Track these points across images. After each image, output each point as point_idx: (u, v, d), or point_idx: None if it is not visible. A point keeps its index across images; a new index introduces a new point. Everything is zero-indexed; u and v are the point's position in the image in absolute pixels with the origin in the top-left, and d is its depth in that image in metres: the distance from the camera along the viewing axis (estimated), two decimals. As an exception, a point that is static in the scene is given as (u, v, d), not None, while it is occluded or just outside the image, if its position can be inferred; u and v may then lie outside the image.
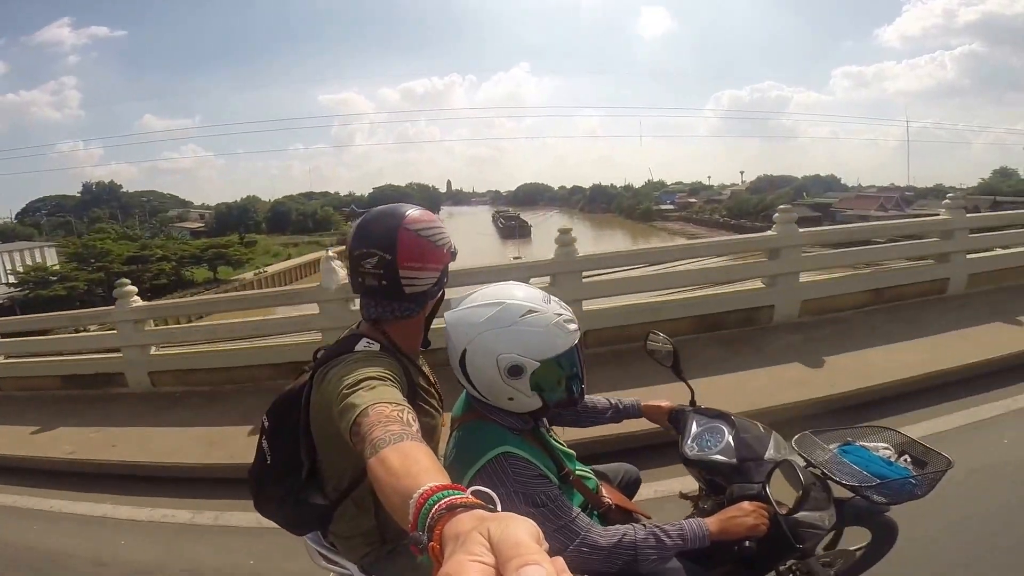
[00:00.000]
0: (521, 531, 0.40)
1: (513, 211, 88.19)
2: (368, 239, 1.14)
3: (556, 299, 1.19)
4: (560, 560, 0.39)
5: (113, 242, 35.06)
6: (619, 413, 1.62)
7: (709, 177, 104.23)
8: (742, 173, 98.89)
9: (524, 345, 1.11)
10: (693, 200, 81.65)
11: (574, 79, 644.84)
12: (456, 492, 0.55)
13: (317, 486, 1.23)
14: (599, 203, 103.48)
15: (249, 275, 35.26)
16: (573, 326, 1.17)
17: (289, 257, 44.28)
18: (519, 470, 1.12)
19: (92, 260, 31.10)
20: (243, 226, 52.34)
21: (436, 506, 0.52)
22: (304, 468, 1.19)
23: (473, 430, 1.21)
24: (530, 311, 1.13)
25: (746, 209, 59.42)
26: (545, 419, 1.33)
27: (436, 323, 1.30)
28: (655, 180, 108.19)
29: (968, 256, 5.23)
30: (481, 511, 0.49)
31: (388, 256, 1.12)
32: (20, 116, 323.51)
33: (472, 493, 0.54)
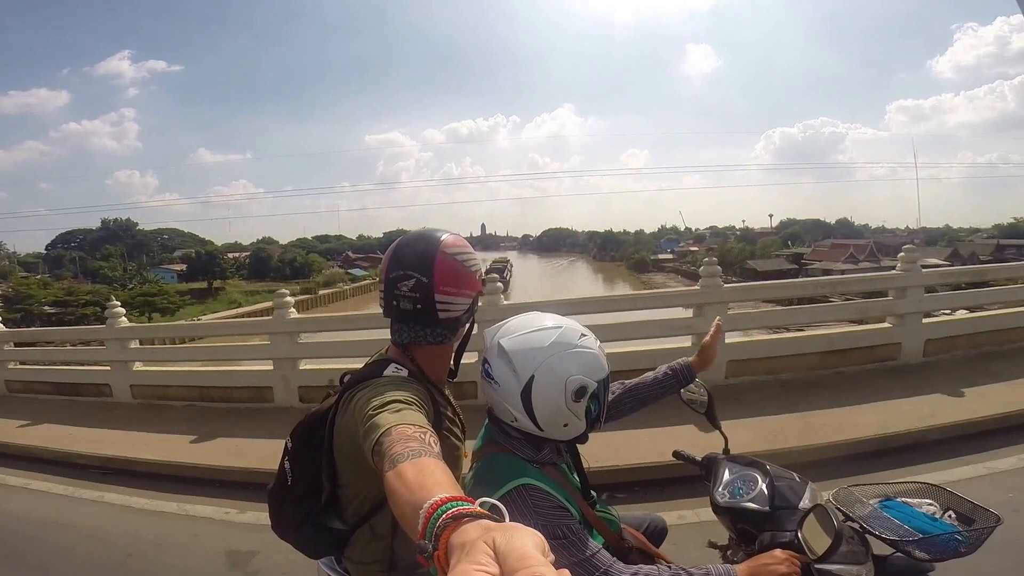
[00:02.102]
0: (527, 542, 0.40)
1: (505, 259, 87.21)
2: (404, 262, 1.15)
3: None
4: (566, 572, 0.39)
5: (40, 287, 38.37)
6: (664, 385, 1.58)
7: (744, 221, 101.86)
8: (771, 216, 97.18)
9: (585, 367, 1.14)
10: (695, 248, 79.20)
11: (619, 120, 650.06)
12: (464, 503, 0.55)
13: (336, 510, 1.21)
14: (609, 250, 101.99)
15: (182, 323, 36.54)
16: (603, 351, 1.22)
17: (240, 305, 45.11)
18: (539, 502, 1.11)
19: (19, 303, 32.77)
20: (211, 272, 53.31)
21: (443, 516, 0.52)
22: (324, 492, 1.18)
23: (492, 461, 1.21)
24: (583, 334, 1.17)
25: (728, 259, 57.27)
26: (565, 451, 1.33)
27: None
28: (686, 226, 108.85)
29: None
30: (487, 521, 0.49)
31: (425, 279, 1.13)
32: (82, 144, 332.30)
33: (480, 505, 0.54)
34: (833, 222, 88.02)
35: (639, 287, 54.91)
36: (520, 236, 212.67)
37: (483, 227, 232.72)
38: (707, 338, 1.58)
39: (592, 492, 1.33)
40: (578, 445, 1.29)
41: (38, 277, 52.30)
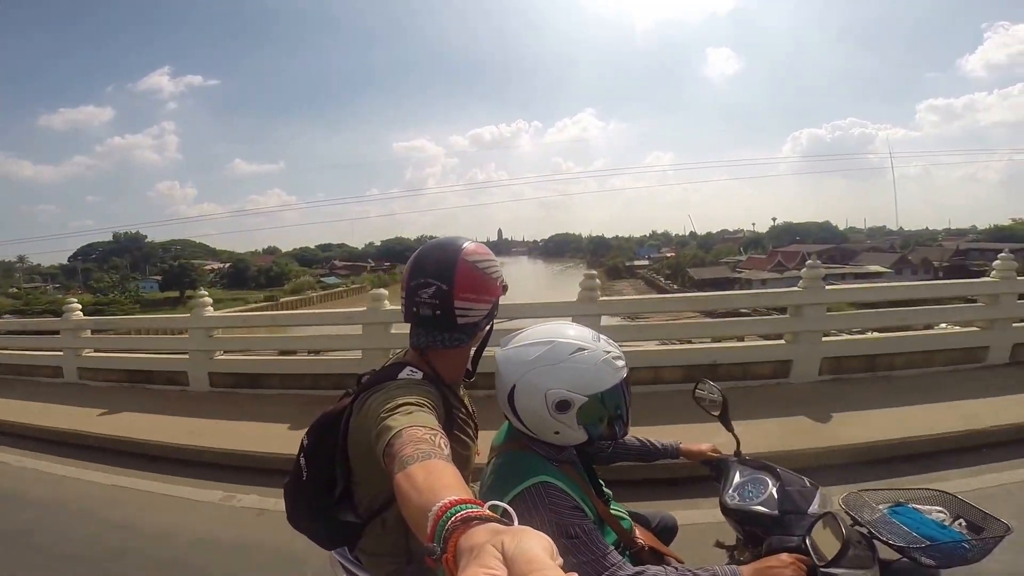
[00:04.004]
0: (535, 545, 0.41)
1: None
2: (425, 270, 1.19)
3: (605, 337, 1.25)
4: None
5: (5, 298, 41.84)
6: (651, 453, 1.66)
7: (753, 224, 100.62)
8: (774, 219, 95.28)
9: (573, 381, 1.16)
10: (671, 254, 78.44)
11: (642, 124, 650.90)
12: (474, 506, 0.56)
13: (349, 504, 1.24)
14: (599, 256, 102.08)
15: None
16: (621, 363, 1.22)
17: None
18: (555, 500, 1.13)
19: (-22, 313, 37.40)
20: (182, 283, 56.64)
21: (452, 518, 0.53)
22: (338, 487, 1.22)
23: (513, 458, 1.24)
24: (579, 349, 1.18)
25: (681, 265, 56.37)
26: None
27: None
28: (691, 229, 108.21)
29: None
30: (496, 524, 0.50)
31: (445, 287, 1.16)
32: (126, 158, 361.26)
33: (489, 507, 0.55)
34: (825, 223, 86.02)
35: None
36: (532, 241, 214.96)
37: (500, 232, 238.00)
38: (701, 447, 1.65)
39: (606, 491, 1.38)
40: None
41: (49, 287, 57.77)
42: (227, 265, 74.42)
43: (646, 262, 77.18)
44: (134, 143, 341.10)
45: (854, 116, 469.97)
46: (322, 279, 69.47)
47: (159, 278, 60.80)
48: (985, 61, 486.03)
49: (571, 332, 1.22)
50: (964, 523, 1.30)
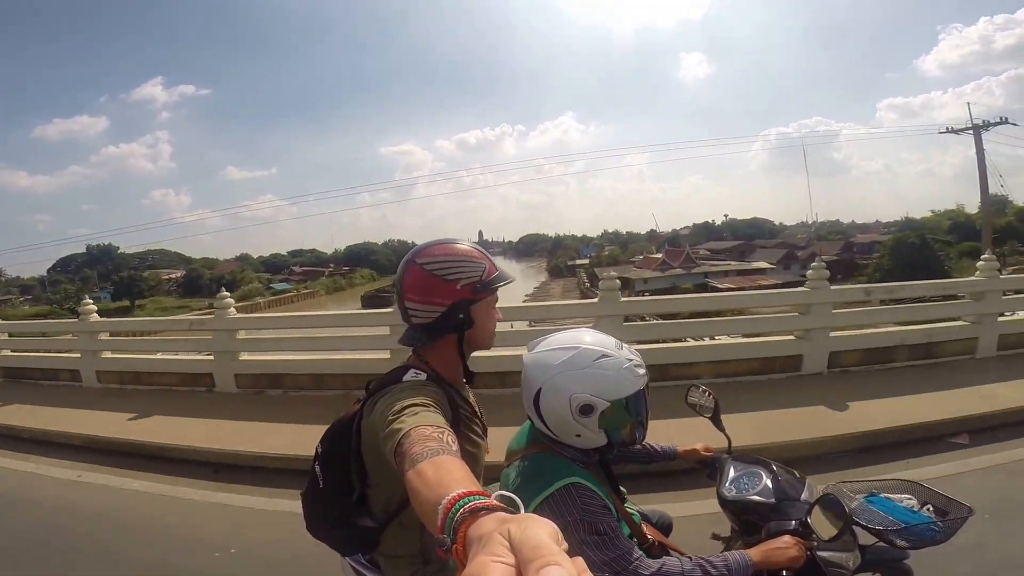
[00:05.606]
0: (541, 532, 0.41)
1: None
2: (398, 272, 1.26)
3: (628, 346, 1.30)
4: (580, 560, 0.40)
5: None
6: (652, 456, 1.74)
7: (713, 220, 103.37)
8: (726, 216, 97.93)
9: (596, 386, 1.21)
10: (607, 253, 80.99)
11: (620, 126, 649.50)
12: (481, 497, 0.58)
13: (366, 510, 1.26)
14: (555, 255, 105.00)
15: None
16: (642, 371, 1.28)
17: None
18: (586, 500, 1.19)
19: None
20: (131, 292, 58.40)
21: (461, 510, 0.55)
22: (355, 493, 1.23)
23: (540, 461, 1.29)
24: (603, 356, 1.24)
25: (600, 265, 59.00)
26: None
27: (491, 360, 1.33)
28: (652, 228, 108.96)
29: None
30: (502, 513, 0.51)
31: (400, 289, 1.24)
32: (120, 167, 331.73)
33: (496, 497, 0.57)
34: (753, 219, 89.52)
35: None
36: (508, 242, 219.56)
37: (480, 234, 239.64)
38: (696, 448, 1.77)
39: (622, 489, 1.46)
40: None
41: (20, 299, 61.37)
42: (182, 274, 75.07)
43: (587, 261, 79.43)
44: (128, 152, 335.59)
45: (819, 115, 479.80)
46: (271, 285, 69.53)
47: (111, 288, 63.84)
48: (940, 61, 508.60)
49: (588, 338, 1.28)
50: (931, 508, 1.42)
